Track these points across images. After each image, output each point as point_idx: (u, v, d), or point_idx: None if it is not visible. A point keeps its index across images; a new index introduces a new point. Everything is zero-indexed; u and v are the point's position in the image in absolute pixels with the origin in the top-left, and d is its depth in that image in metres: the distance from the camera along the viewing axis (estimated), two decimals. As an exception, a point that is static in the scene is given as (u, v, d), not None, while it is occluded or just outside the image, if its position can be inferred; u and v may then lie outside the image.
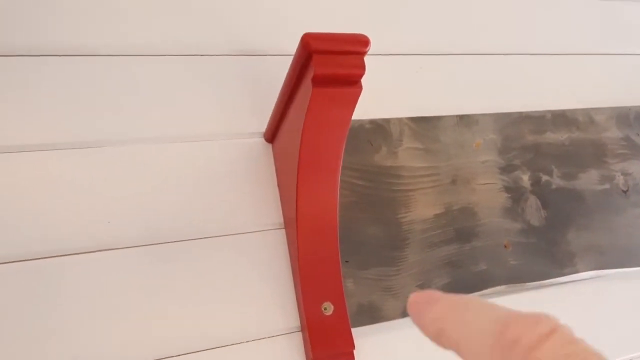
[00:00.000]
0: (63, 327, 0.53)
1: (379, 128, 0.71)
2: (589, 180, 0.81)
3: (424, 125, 0.74)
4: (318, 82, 0.47)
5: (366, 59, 0.49)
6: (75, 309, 0.54)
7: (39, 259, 0.55)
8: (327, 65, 0.47)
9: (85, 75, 0.62)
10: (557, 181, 0.78)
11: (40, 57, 0.60)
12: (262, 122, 0.67)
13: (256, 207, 0.64)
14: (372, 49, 0.76)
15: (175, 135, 0.64)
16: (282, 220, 0.65)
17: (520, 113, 0.81)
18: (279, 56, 0.72)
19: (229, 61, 0.69)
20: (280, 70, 0.70)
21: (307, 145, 0.53)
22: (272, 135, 0.65)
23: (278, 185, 0.66)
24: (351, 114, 0.52)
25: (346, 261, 0.63)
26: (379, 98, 0.74)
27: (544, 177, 0.78)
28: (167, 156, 0.63)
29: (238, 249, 0.62)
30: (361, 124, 0.70)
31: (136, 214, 0.59)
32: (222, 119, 0.66)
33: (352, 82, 0.49)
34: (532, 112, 0.82)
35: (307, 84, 0.49)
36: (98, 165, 0.60)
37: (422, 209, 0.69)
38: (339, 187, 0.58)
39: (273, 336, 0.60)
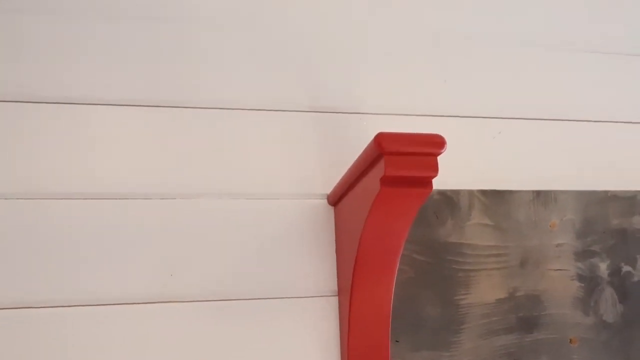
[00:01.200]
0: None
1: (447, 200, 0.68)
2: (678, 274, 0.73)
3: (496, 200, 0.70)
4: (387, 182, 0.46)
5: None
6: (135, 358, 0.57)
7: (105, 305, 0.58)
8: (398, 168, 0.45)
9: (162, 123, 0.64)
10: (640, 273, 0.72)
11: (132, 107, 0.64)
12: (328, 183, 0.67)
13: (314, 271, 0.64)
14: (447, 109, 0.74)
15: (242, 191, 0.65)
16: (336, 287, 0.64)
17: (607, 192, 0.74)
18: (353, 114, 0.71)
19: (302, 117, 0.69)
20: (352, 128, 0.70)
21: (368, 235, 0.52)
22: (336, 200, 0.64)
23: (336, 252, 0.65)
24: (417, 210, 0.50)
25: (397, 341, 0.62)
26: (450, 165, 0.70)
27: (625, 268, 0.71)
28: (233, 211, 0.64)
29: (291, 313, 0.62)
30: (430, 194, 0.68)
31: (198, 269, 0.61)
32: (290, 178, 0.67)
33: (422, 183, 0.48)
34: (620, 191, 0.75)
35: (377, 176, 0.47)
36: (166, 215, 0.62)
37: (484, 291, 0.66)
38: (397, 269, 0.57)
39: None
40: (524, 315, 0.66)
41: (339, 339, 0.63)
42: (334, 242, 0.66)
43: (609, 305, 0.69)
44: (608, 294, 0.70)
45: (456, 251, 0.66)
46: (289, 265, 0.64)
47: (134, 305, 0.59)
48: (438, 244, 0.66)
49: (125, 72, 0.64)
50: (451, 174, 0.70)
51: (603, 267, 0.71)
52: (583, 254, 0.70)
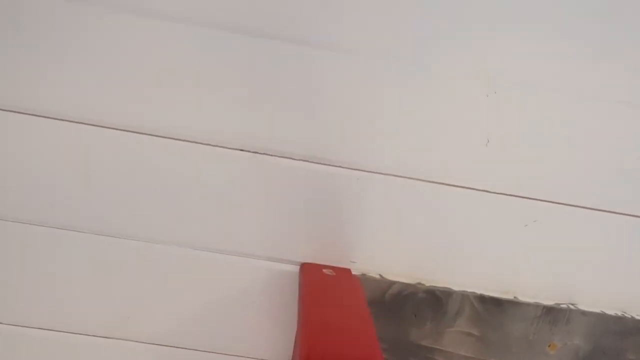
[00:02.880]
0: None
1: (434, 300, 0.60)
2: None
3: (492, 310, 0.60)
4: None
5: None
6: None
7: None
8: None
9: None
10: (636, 414, 0.63)
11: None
12: (304, 249, 0.60)
13: (271, 336, 0.62)
14: (463, 180, 0.60)
15: (216, 246, 0.60)
16: (290, 358, 0.63)
17: (638, 322, 0.61)
18: (343, 169, 0.59)
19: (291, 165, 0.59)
20: (338, 187, 0.60)
21: None
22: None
23: (297, 323, 0.62)
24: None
25: None
26: (451, 260, 0.60)
27: (620, 406, 0.63)
28: (203, 261, 0.60)
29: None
30: (414, 291, 0.59)
31: (157, 313, 0.61)
32: (264, 240, 0.60)
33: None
34: (657, 323, 0.62)
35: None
36: (131, 254, 0.60)
37: (444, 399, 0.62)
38: None
39: None
40: None
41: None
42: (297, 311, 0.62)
43: None
44: None
45: (427, 356, 0.61)
46: (247, 324, 0.62)
47: (94, 337, 0.61)
48: (409, 345, 0.60)
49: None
50: (448, 272, 0.61)
51: (593, 400, 0.63)
52: (575, 383, 0.62)
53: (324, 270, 0.59)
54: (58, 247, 0.59)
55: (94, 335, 0.61)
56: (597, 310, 0.61)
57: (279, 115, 0.56)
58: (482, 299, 0.60)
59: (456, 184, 0.59)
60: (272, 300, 0.62)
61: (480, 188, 0.60)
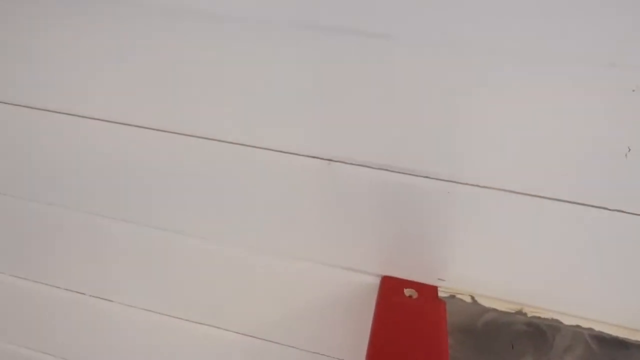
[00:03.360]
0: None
1: (537, 334, 0.51)
2: None
3: (614, 353, 0.49)
4: None
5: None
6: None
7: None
8: None
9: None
10: None
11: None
12: (386, 262, 0.55)
13: (345, 343, 0.61)
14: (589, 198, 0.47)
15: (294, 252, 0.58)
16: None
17: None
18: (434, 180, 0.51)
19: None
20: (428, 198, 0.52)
21: None
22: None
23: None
24: None
25: None
26: (561, 285, 0.50)
27: None
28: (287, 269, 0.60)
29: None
30: (512, 321, 0.51)
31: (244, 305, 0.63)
32: (346, 249, 0.56)
33: None
34: None
35: None
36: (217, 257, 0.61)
37: None
38: None
39: None
40: None
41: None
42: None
43: None
44: None
45: (522, 390, 0.53)
46: (327, 327, 0.61)
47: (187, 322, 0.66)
48: (501, 376, 0.53)
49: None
50: (555, 298, 0.51)
51: None
52: None
53: (406, 291, 0.54)
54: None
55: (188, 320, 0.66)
56: None
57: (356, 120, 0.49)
58: (601, 339, 0.50)
59: (573, 201, 0.47)
60: (350, 309, 0.59)
61: (612, 207, 0.47)
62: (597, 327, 0.50)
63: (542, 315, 0.51)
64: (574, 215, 0.48)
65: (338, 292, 0.59)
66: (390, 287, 0.53)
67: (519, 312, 0.51)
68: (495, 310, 0.52)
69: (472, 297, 0.53)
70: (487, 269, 0.52)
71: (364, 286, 0.57)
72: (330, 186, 0.53)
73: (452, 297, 0.53)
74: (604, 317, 0.50)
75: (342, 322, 0.60)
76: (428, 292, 0.53)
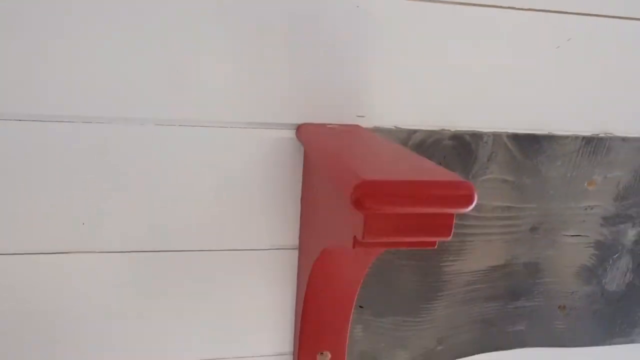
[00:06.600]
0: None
1: (462, 146, 0.50)
2: None
3: (528, 148, 0.51)
4: (362, 244, 0.29)
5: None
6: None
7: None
8: (383, 232, 0.27)
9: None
10: (671, 242, 0.59)
11: None
12: (301, 110, 0.47)
13: (272, 221, 0.51)
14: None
15: (194, 117, 0.45)
16: (297, 242, 0.52)
17: (681, 141, 0.55)
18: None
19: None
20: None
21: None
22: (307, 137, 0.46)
23: (301, 199, 0.50)
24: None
25: (360, 306, 0.53)
26: (477, 98, 0.50)
27: (657, 236, 0.58)
28: (182, 140, 0.46)
29: (244, 266, 0.52)
30: (439, 138, 0.49)
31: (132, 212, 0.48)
32: (251, 101, 0.46)
33: (421, 244, 0.30)
34: (699, 141, 0.55)
35: (350, 223, 0.30)
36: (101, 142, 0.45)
37: (476, 258, 0.54)
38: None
39: (265, 355, 0.56)
40: (514, 284, 0.56)
41: (294, 300, 0.54)
42: (300, 185, 0.50)
43: (619, 274, 0.59)
44: (624, 262, 0.59)
45: (456, 213, 0.52)
46: (243, 211, 0.50)
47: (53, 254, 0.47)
48: (435, 203, 0.51)
49: None
50: (475, 112, 0.50)
51: (631, 234, 0.58)
52: (613, 219, 0.56)
53: (328, 126, 0.47)
54: None
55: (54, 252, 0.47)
56: (637, 134, 0.54)
57: None
58: (517, 138, 0.51)
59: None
60: (268, 176, 0.49)
61: (506, 5, 0.48)
62: (512, 130, 0.51)
63: (464, 128, 0.50)
64: (475, 19, 0.48)
65: (256, 155, 0.48)
66: (310, 130, 0.46)
67: (443, 129, 0.49)
68: (421, 130, 0.49)
69: (396, 127, 0.49)
70: (405, 96, 0.49)
71: (283, 141, 0.48)
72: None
73: (376, 128, 0.48)
74: (514, 125, 0.51)
75: (261, 197, 0.50)
76: (351, 127, 0.47)
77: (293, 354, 0.55)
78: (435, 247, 0.30)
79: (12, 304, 0.48)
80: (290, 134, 0.48)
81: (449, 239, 0.28)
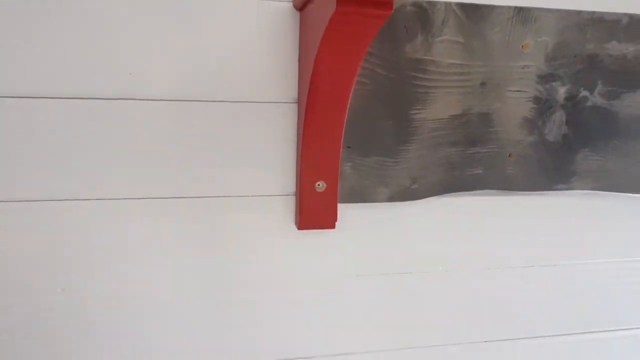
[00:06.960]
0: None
1: (421, 13, 0.65)
2: (633, 102, 0.75)
3: (473, 15, 0.66)
4: (343, 2, 0.44)
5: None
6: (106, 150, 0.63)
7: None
8: None
9: None
10: (595, 99, 0.74)
11: None
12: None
13: (275, 77, 0.66)
14: None
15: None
16: (297, 95, 0.66)
17: (593, 13, 0.70)
18: None
19: None
20: None
21: (324, 54, 0.52)
22: (302, 4, 0.61)
23: (299, 60, 0.65)
24: (375, 32, 0.49)
25: (348, 146, 0.68)
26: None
27: (583, 93, 0.73)
28: (195, 12, 0.61)
29: (250, 117, 0.66)
30: (403, 4, 0.64)
31: (159, 68, 0.62)
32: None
33: (381, 3, 0.45)
34: (608, 13, 0.71)
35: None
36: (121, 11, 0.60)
37: (439, 108, 0.69)
38: (356, 75, 0.57)
39: (271, 195, 0.70)
40: (471, 132, 0.71)
41: (295, 144, 0.68)
42: (298, 48, 0.65)
43: (555, 126, 0.74)
44: (558, 116, 0.73)
45: (420, 68, 0.67)
46: (250, 69, 0.65)
47: (98, 100, 0.62)
48: (403, 59, 0.66)
49: None
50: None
51: (562, 91, 0.72)
52: (546, 77, 0.71)
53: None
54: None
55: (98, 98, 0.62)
56: (561, 6, 0.69)
57: None
58: (463, 7, 0.66)
59: None
60: (269, 41, 0.64)
61: None
62: (458, 0, 0.66)
63: (422, -2, 0.65)
64: None
65: (252, 27, 0.63)
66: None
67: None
68: None
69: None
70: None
71: (280, 13, 0.63)
72: None
73: None
74: None
75: (265, 58, 0.65)
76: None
77: (295, 182, 0.69)
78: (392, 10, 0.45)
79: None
80: (289, 5, 0.63)
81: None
